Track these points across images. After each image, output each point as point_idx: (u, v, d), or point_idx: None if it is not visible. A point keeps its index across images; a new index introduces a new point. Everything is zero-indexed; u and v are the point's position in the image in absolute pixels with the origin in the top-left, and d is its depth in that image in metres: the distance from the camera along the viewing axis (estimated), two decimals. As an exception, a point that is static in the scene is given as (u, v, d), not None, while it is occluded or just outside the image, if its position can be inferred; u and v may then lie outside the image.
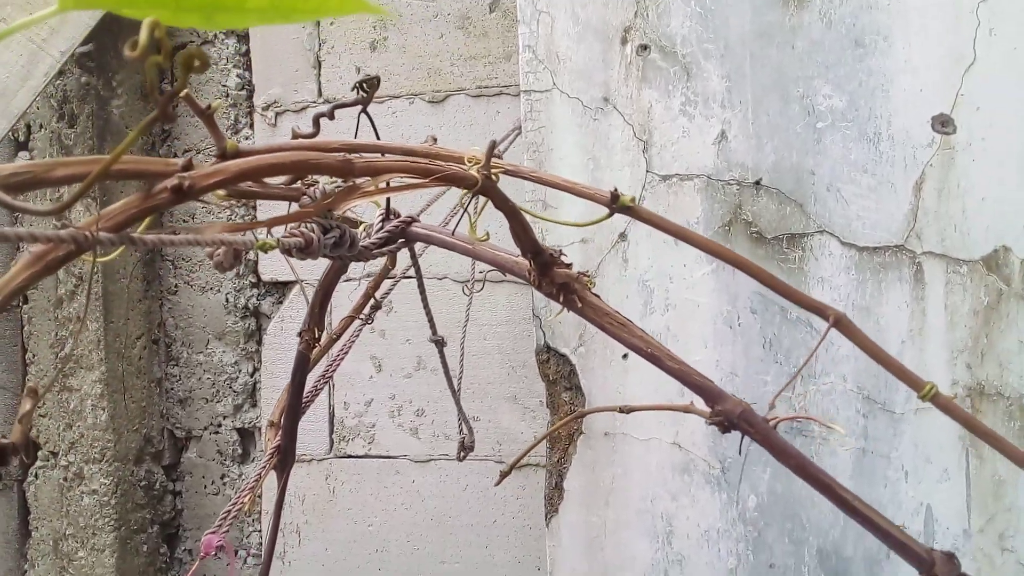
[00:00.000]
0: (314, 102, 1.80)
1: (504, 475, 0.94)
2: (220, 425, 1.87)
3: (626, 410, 0.84)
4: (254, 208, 1.79)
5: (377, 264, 1.13)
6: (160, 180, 0.48)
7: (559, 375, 1.49)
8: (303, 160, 0.51)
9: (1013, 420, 1.30)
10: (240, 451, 1.87)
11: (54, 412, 1.76)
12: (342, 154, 0.54)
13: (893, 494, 1.34)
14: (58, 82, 1.66)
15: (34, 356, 1.80)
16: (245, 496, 1.04)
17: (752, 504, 1.40)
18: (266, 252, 0.60)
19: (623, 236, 1.43)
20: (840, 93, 1.35)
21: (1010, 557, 1.32)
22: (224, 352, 1.85)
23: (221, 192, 0.63)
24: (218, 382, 1.86)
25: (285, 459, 1.08)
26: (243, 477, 1.86)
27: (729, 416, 0.68)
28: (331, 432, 1.80)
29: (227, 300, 1.83)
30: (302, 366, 0.99)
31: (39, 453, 1.82)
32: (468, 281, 1.17)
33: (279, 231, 0.70)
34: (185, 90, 0.60)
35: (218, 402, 1.86)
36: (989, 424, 1.30)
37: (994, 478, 1.31)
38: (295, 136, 0.67)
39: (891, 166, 1.34)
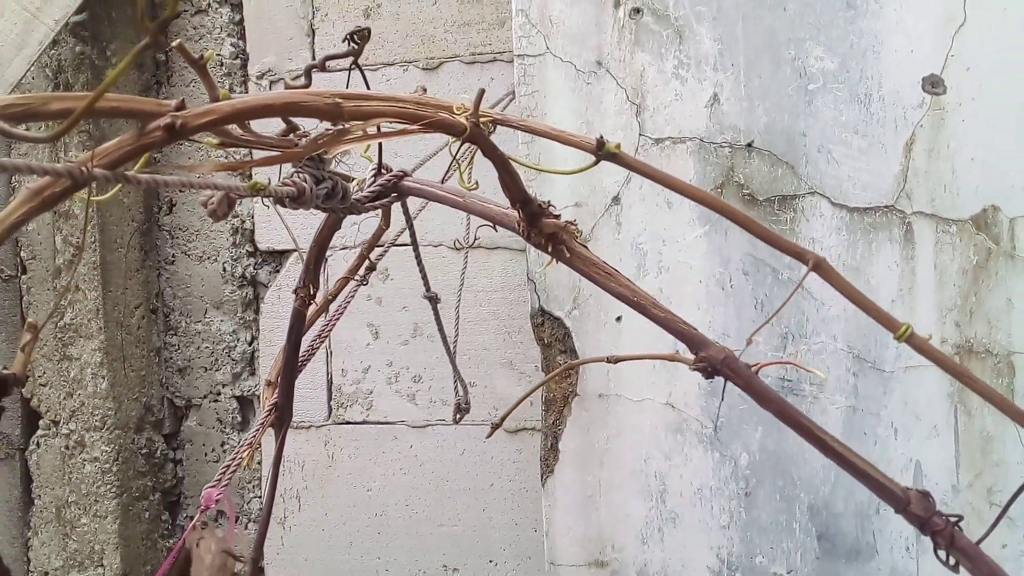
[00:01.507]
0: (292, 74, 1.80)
1: (495, 427, 0.96)
2: (219, 393, 1.88)
3: (613, 360, 0.85)
4: (248, 176, 1.80)
5: (371, 228, 1.15)
6: (153, 119, 0.49)
7: (554, 338, 1.50)
8: (293, 101, 0.53)
9: (1001, 377, 1.32)
10: (239, 419, 1.89)
11: (55, 381, 1.78)
12: (332, 98, 0.55)
13: (883, 451, 1.36)
14: (52, 52, 1.67)
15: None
16: (243, 451, 1.06)
17: (744, 462, 1.42)
18: (258, 194, 0.61)
19: (616, 200, 1.44)
20: (831, 55, 1.36)
21: (998, 510, 1.34)
22: (222, 321, 1.87)
23: (214, 140, 0.64)
24: (217, 351, 1.88)
25: (282, 416, 1.10)
26: (241, 443, 1.88)
27: (712, 362, 0.70)
28: (329, 399, 1.81)
29: (224, 269, 1.85)
30: (298, 324, 1.00)
31: (40, 422, 1.84)
32: (463, 238, 1.18)
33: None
34: (178, 41, 0.61)
35: (217, 370, 1.88)
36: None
37: (982, 434, 1.33)
38: (286, 87, 0.68)
39: (882, 127, 1.35)
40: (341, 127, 0.57)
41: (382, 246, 1.28)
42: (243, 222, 1.84)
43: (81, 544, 1.80)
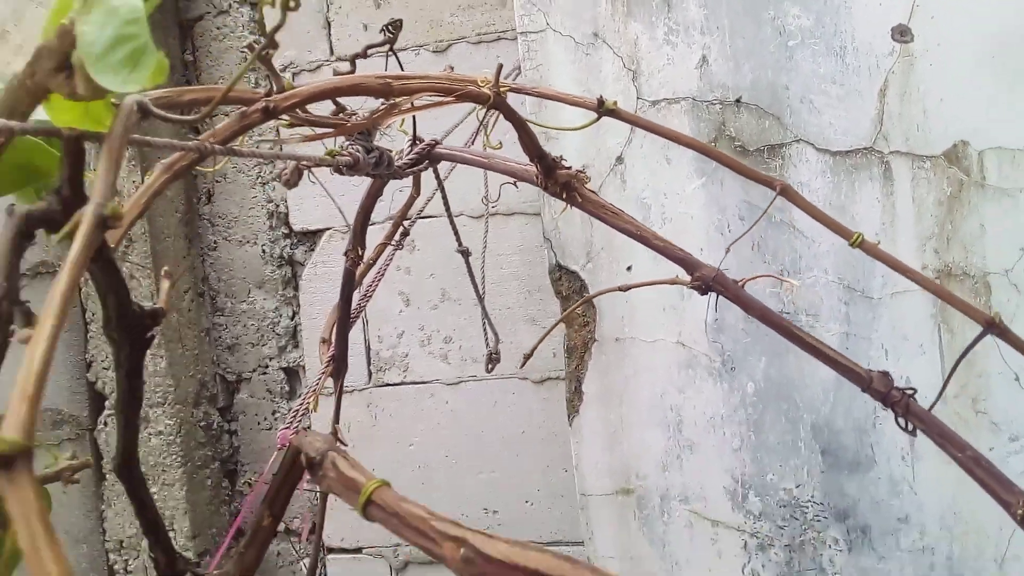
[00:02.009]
0: (327, 60, 1.94)
1: (527, 357, 1.10)
2: (267, 366, 2.04)
3: (625, 288, 0.99)
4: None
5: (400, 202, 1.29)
6: (252, 104, 0.64)
7: (571, 291, 1.65)
8: (356, 83, 0.67)
9: (979, 296, 1.45)
10: (287, 388, 2.05)
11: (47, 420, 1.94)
12: (383, 80, 0.69)
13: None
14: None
15: (94, 315, 1.97)
16: (310, 397, 1.21)
17: (751, 390, 1.56)
18: (331, 164, 0.75)
19: (620, 159, 1.58)
20: (807, 12, 1.49)
21: (984, 418, 1.48)
22: (265, 299, 2.02)
23: (285, 120, 0.79)
24: (262, 327, 2.03)
25: (339, 366, 1.25)
26: (292, 411, 2.03)
27: (705, 280, 0.84)
28: (368, 364, 1.97)
29: (263, 251, 2.00)
30: (349, 281, 1.15)
31: (105, 403, 2.00)
32: (486, 198, 1.32)
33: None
34: (249, 41, 0.75)
35: (263, 345, 2.04)
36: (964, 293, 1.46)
37: (965, 347, 1.46)
38: (335, 74, 0.82)
39: (857, 76, 1.47)
40: (392, 102, 0.71)
41: (410, 218, 1.42)
42: (277, 206, 1.99)
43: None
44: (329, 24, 1.94)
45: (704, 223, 1.55)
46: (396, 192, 1.31)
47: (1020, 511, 0.69)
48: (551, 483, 1.88)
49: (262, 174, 1.99)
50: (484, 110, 0.78)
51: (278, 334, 2.03)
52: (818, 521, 1.55)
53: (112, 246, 0.56)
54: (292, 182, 0.81)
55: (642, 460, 1.62)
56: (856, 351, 1.51)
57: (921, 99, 1.45)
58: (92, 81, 0.45)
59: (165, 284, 0.68)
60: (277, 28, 0.53)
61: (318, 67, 1.93)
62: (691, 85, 1.54)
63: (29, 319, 0.50)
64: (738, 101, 1.52)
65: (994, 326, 0.73)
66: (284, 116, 0.72)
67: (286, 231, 2.00)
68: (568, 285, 1.65)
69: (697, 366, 1.58)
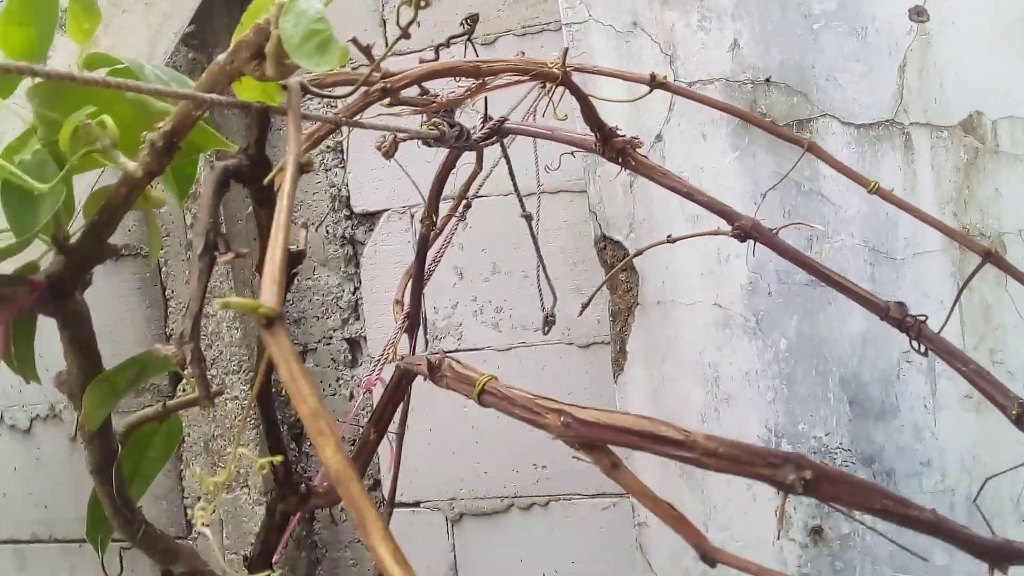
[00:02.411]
0: (358, 66, 2.10)
1: (584, 306, 1.25)
2: (331, 338, 2.21)
3: (672, 240, 1.13)
4: (343, 153, 2.11)
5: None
6: (372, 86, 0.79)
7: (615, 259, 1.79)
8: (454, 66, 0.82)
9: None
10: (350, 357, 2.21)
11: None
12: (474, 64, 0.84)
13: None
14: (171, 60, 1.98)
15: (172, 292, 2.15)
16: (389, 349, 1.37)
17: (783, 347, 1.69)
18: (425, 136, 0.90)
19: (659, 137, 1.72)
20: (831, -3, 1.61)
21: (1000, 368, 1.60)
22: (329, 276, 2.19)
23: (386, 101, 0.94)
24: (326, 302, 2.20)
25: (413, 324, 1.41)
26: (355, 378, 2.20)
27: (744, 228, 0.98)
28: (426, 333, 2.11)
29: (327, 232, 2.16)
30: (424, 244, 1.30)
31: (185, 372, 2.17)
32: (546, 172, 1.45)
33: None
34: (353, 36, 0.90)
35: (327, 318, 2.20)
36: (975, 258, 1.59)
37: (982, 303, 1.59)
38: (421, 62, 0.97)
39: (878, 54, 1.60)
40: (481, 82, 0.86)
41: (468, 199, 1.57)
42: (339, 190, 2.15)
43: (228, 469, 2.14)
44: (384, 22, 2.09)
45: (739, 193, 1.68)
46: (453, 172, 1.46)
47: (1014, 411, 0.82)
48: (597, 441, 2.02)
49: (325, 161, 2.15)
50: (552, 87, 0.92)
51: (341, 308, 2.19)
52: (846, 466, 1.68)
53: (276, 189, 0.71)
54: (390, 152, 0.96)
55: (683, 413, 1.76)
56: (880, 308, 1.63)
57: (938, 74, 1.57)
58: (279, 66, 0.60)
59: (303, 232, 0.83)
60: (411, 22, 0.68)
61: (358, 67, 2.08)
62: (724, 67, 1.67)
63: (228, 246, 0.65)
64: (768, 80, 1.65)
65: (991, 255, 0.86)
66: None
67: (347, 213, 2.16)
68: (612, 254, 1.79)
69: (733, 325, 1.72)
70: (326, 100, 1.67)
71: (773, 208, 1.66)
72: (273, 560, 1.20)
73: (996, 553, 0.61)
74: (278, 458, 0.71)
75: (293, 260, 0.83)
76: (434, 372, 0.76)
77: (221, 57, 0.63)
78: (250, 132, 0.64)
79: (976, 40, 1.54)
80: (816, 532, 1.73)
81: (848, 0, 1.60)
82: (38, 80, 0.64)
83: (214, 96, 0.59)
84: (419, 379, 2.24)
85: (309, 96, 0.75)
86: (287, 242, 0.52)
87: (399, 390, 0.95)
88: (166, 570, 1.04)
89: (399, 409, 1.46)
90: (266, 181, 0.61)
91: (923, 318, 0.92)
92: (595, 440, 0.65)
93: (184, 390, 2.18)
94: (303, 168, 0.57)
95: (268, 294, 0.50)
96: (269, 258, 0.51)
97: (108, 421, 0.93)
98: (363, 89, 0.79)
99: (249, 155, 0.65)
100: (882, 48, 1.59)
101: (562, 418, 0.64)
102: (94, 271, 0.81)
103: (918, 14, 1.56)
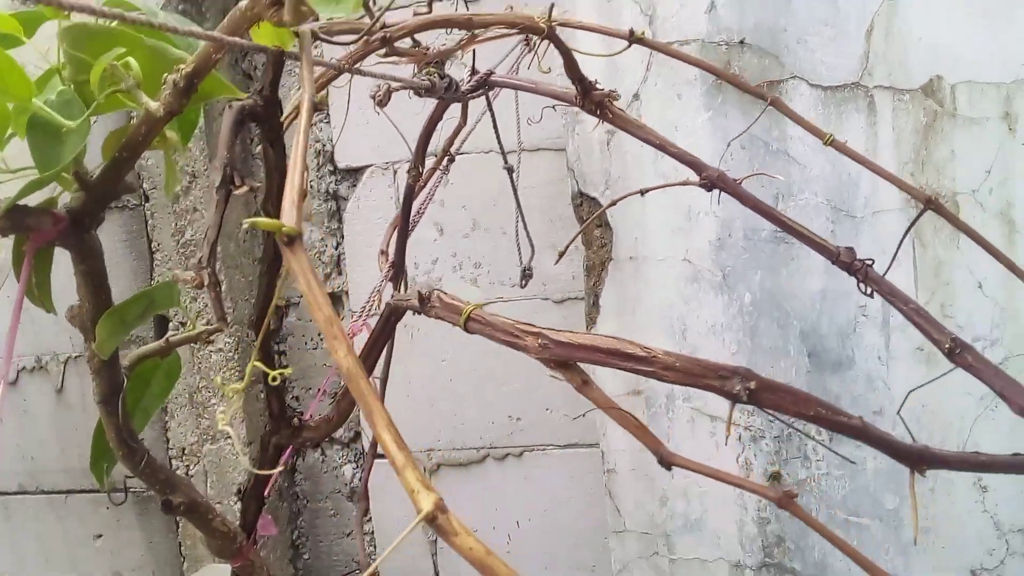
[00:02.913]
0: (360, 16, 2.13)
1: (560, 255, 1.32)
2: (313, 291, 2.26)
3: (644, 191, 1.20)
4: (327, 107, 2.15)
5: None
6: (372, 35, 0.84)
7: (591, 214, 1.86)
8: (448, 18, 0.87)
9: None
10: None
11: (181, 289, 2.16)
12: (466, 16, 0.89)
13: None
14: (162, 11, 2.00)
15: (158, 244, 2.19)
16: (375, 297, 1.43)
17: (747, 300, 1.78)
18: (416, 86, 0.96)
19: (636, 96, 1.78)
20: (802, -36, 1.68)
21: (951, 322, 1.69)
22: (312, 231, 2.24)
23: (381, 52, 0.99)
24: (309, 256, 2.25)
25: (398, 273, 1.47)
26: (361, 307, 2.26)
27: (711, 178, 1.05)
28: (405, 288, 2.18)
29: (311, 187, 2.21)
30: (410, 196, 1.36)
31: (169, 324, 2.22)
32: (528, 124, 1.51)
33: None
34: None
35: (309, 272, 2.25)
36: (929, 217, 1.67)
37: (934, 260, 1.68)
38: (415, 14, 1.03)
39: (846, 19, 1.67)
40: (472, 33, 0.91)
41: (451, 155, 1.61)
42: (324, 146, 2.19)
43: (212, 421, 2.20)
44: (367, -23, 2.12)
45: (709, 152, 1.75)
46: (439, 130, 1.51)
47: (947, 345, 0.90)
48: (569, 391, 2.10)
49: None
50: (538, 41, 0.98)
51: (323, 262, 2.24)
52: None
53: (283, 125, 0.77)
54: (384, 101, 1.02)
55: (653, 363, 1.84)
56: (841, 264, 1.72)
57: (902, 39, 1.65)
58: (296, 11, 0.66)
59: (305, 173, 0.89)
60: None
61: (361, 17, 2.12)
62: (700, 28, 1.73)
63: (242, 180, 0.71)
64: (742, 42, 1.72)
65: (931, 202, 0.94)
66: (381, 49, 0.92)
67: (331, 168, 2.20)
68: (588, 210, 1.86)
69: (701, 280, 1.80)
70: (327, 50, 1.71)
71: (742, 165, 1.74)
72: (266, 492, 1.27)
73: (916, 458, 0.70)
74: (288, 370, 0.78)
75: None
76: (424, 303, 0.82)
77: (243, 3, 0.68)
78: (265, 74, 0.70)
79: (939, 7, 1.62)
80: (775, 477, 1.83)
81: (818, -33, 1.66)
82: (68, 23, 0.70)
83: (236, 39, 0.65)
84: (401, 340, 2.31)
85: (315, 43, 0.81)
86: (304, 169, 0.58)
87: (387, 328, 1.01)
88: (166, 499, 1.10)
89: (384, 353, 1.53)
90: (284, 116, 0.67)
91: (870, 262, 1.00)
92: (569, 358, 0.72)
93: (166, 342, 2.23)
94: (317, 106, 0.63)
95: (289, 215, 0.56)
96: (289, 183, 0.57)
97: (116, 355, 0.99)
98: (364, 39, 0.84)
99: (263, 96, 0.70)
100: (851, 12, 1.66)
101: (539, 340, 0.72)
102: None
103: (884, -18, 1.63)
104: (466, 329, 0.80)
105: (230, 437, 2.21)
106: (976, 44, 1.61)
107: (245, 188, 0.68)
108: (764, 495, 0.75)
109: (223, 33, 0.65)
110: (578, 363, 0.78)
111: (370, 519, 2.23)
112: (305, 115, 0.62)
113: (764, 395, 0.70)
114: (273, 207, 0.86)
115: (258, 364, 0.70)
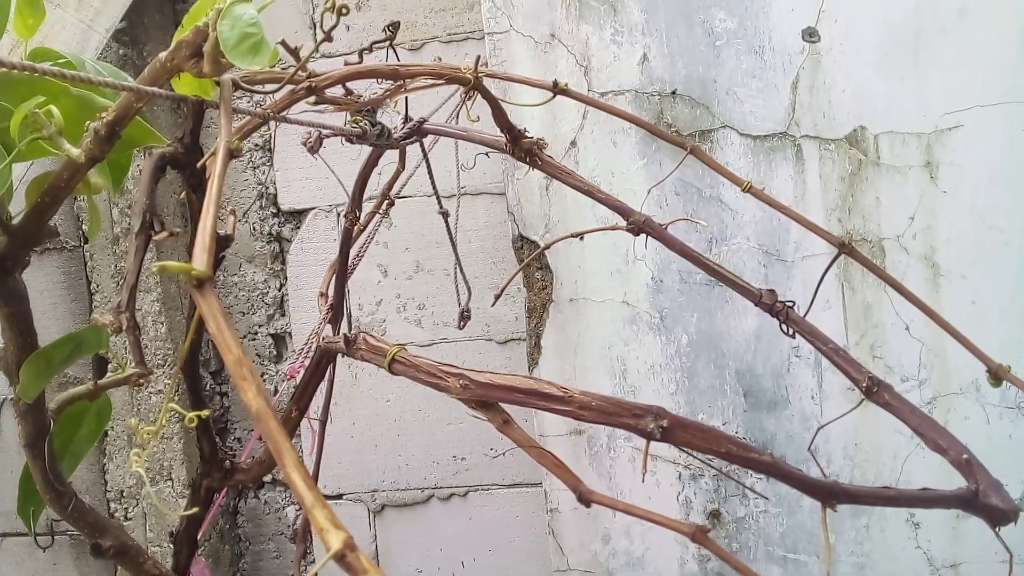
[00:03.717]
0: (313, 58, 2.16)
1: (497, 296, 1.34)
2: (256, 333, 2.25)
3: (579, 234, 1.23)
4: (270, 152, 2.16)
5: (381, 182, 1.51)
6: (297, 84, 0.86)
7: (532, 260, 1.89)
8: (374, 68, 0.90)
9: (876, 258, 1.72)
10: (275, 353, 2.26)
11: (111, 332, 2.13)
12: (392, 67, 0.92)
13: (790, 322, 1.76)
14: (103, 55, 2.01)
15: (98, 286, 2.17)
16: (312, 338, 1.44)
17: (684, 342, 1.82)
18: (346, 133, 0.98)
19: (573, 143, 1.83)
20: (732, 16, 1.74)
21: (879, 362, 1.75)
22: (255, 272, 2.23)
23: (311, 99, 1.01)
24: (252, 297, 2.24)
25: (337, 315, 1.47)
26: (279, 373, 2.25)
27: (637, 223, 1.08)
28: (350, 329, 2.18)
29: (254, 228, 2.21)
30: (347, 239, 1.37)
31: (108, 365, 2.19)
32: (465, 169, 1.54)
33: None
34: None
35: (253, 314, 2.25)
36: (857, 263, 1.72)
37: (863, 303, 1.74)
38: (346, 64, 1.05)
39: (773, 71, 1.74)
40: (399, 84, 0.94)
41: (390, 199, 1.64)
42: (267, 188, 2.20)
43: (152, 463, 2.17)
44: (315, 25, 2.16)
45: (643, 199, 1.79)
46: (378, 171, 1.54)
47: (864, 384, 0.94)
48: (514, 432, 2.11)
49: (253, 159, 2.19)
50: (465, 91, 1.01)
51: (267, 303, 2.24)
52: (743, 453, 1.81)
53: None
54: (315, 148, 1.04)
55: (593, 404, 1.86)
56: (774, 306, 1.77)
57: (827, 91, 1.72)
58: (215, 64, 0.68)
59: (231, 218, 0.90)
60: (333, 27, 0.76)
61: (288, 67, 2.14)
62: (634, 79, 1.79)
63: (163, 226, 0.72)
64: (674, 93, 1.78)
65: (845, 246, 0.98)
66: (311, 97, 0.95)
67: (274, 211, 2.21)
68: (529, 253, 1.89)
69: (640, 322, 1.84)
70: (255, 99, 1.73)
71: (677, 211, 1.79)
72: (199, 535, 1.26)
73: (827, 492, 0.73)
74: (205, 412, 0.78)
75: (221, 244, 0.90)
76: (350, 345, 0.83)
77: (163, 55, 0.70)
78: (186, 123, 0.71)
79: (861, 60, 1.69)
80: (714, 515, 1.86)
81: (747, 20, 1.73)
82: (-12, 70, 0.70)
83: (155, 89, 0.67)
84: (345, 381, 2.30)
85: (240, 94, 0.83)
86: (217, 214, 0.60)
87: (319, 369, 1.02)
88: (95, 543, 1.09)
89: (322, 396, 1.53)
90: (200, 164, 0.68)
91: (791, 303, 1.04)
92: (489, 398, 0.74)
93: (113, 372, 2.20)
94: (232, 153, 0.65)
95: (199, 259, 0.57)
96: (201, 227, 0.59)
97: (42, 397, 0.98)
98: (290, 87, 0.86)
99: (184, 144, 0.72)
100: (777, 65, 1.73)
101: (461, 381, 0.73)
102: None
103: (810, 35, 1.70)
104: (391, 371, 0.82)
105: (153, 481, 2.17)
106: (897, 95, 1.69)
107: (165, 233, 0.69)
108: (678, 530, 0.77)
109: (144, 83, 0.67)
110: (499, 403, 0.79)
111: (313, 560, 2.20)
112: (221, 162, 0.64)
113: (676, 432, 0.72)
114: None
115: (174, 406, 0.71)
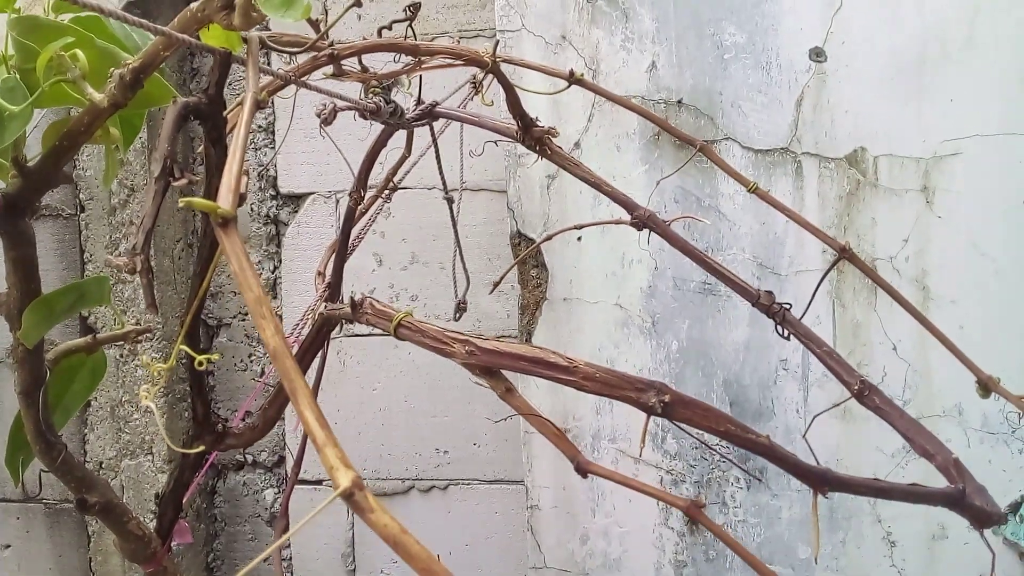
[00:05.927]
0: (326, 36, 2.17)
1: (495, 285, 1.35)
2: (247, 314, 2.25)
3: (579, 227, 1.25)
4: (272, 134, 2.17)
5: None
6: (320, 52, 0.87)
7: (528, 255, 1.90)
8: (395, 43, 0.91)
9: (867, 278, 1.74)
10: (264, 334, 2.26)
11: (112, 284, 2.12)
12: (414, 44, 0.93)
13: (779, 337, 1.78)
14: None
15: (91, 256, 2.16)
16: (308, 314, 1.44)
17: (675, 348, 1.83)
18: (361, 107, 0.99)
19: (577, 145, 1.84)
20: (742, 31, 1.77)
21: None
22: (250, 253, 2.24)
23: (328, 70, 1.02)
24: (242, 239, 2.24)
25: (334, 294, 1.48)
26: (267, 355, 2.25)
27: (641, 218, 1.10)
28: (341, 316, 2.19)
29: (251, 210, 2.21)
30: (350, 218, 1.38)
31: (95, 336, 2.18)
32: (470, 156, 1.55)
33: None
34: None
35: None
36: (849, 280, 1.75)
37: (853, 321, 1.76)
38: (364, 39, 1.07)
39: (779, 88, 1.76)
40: (417, 60, 0.95)
41: (394, 185, 1.65)
42: (267, 170, 2.21)
43: (133, 436, 2.16)
44: (327, 12, 2.17)
45: (645, 203, 1.81)
46: (380, 162, 1.55)
47: (856, 387, 0.96)
48: (497, 428, 2.13)
49: (255, 140, 2.20)
50: (482, 76, 1.02)
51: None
52: (723, 462, 1.82)
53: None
54: (329, 120, 1.05)
55: (579, 404, 1.88)
56: (764, 319, 1.78)
57: (830, 110, 1.74)
58: (246, 16, 0.69)
59: (244, 177, 0.91)
60: (352, 4, 0.77)
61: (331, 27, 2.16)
62: (641, 85, 1.81)
63: (182, 173, 0.73)
64: (679, 102, 1.80)
65: (845, 251, 0.99)
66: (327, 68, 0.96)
67: (273, 193, 2.22)
68: (526, 250, 1.90)
69: (631, 325, 1.85)
70: (275, 68, 1.74)
71: (674, 223, 1.80)
72: (184, 498, 1.26)
73: (819, 479, 0.74)
74: (215, 355, 0.79)
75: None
76: (356, 309, 0.84)
77: (194, 4, 0.71)
78: (212, 74, 0.72)
79: (865, 83, 1.72)
80: (693, 522, 1.87)
81: (756, 36, 1.76)
82: (17, 15, 0.71)
83: (186, 36, 0.68)
84: (332, 367, 2.29)
85: (263, 54, 0.84)
86: (243, 157, 0.61)
87: (319, 337, 1.03)
88: (80, 498, 1.09)
89: (312, 377, 1.53)
90: (227, 112, 0.69)
91: (788, 305, 1.06)
92: (494, 365, 0.75)
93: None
94: (259, 104, 0.66)
95: (224, 199, 0.58)
96: (227, 169, 0.59)
97: (40, 345, 0.99)
98: (312, 54, 0.87)
99: (208, 95, 0.73)
100: (783, 82, 1.75)
101: (467, 347, 0.74)
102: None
103: (817, 55, 1.73)
104: (396, 335, 0.82)
105: (133, 455, 2.17)
106: (899, 119, 1.72)
107: (184, 180, 0.70)
108: (673, 503, 0.78)
109: (174, 30, 0.68)
110: (502, 371, 0.80)
111: (289, 544, 2.20)
112: (248, 110, 0.64)
113: (678, 409, 0.74)
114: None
115: (184, 347, 0.71)
